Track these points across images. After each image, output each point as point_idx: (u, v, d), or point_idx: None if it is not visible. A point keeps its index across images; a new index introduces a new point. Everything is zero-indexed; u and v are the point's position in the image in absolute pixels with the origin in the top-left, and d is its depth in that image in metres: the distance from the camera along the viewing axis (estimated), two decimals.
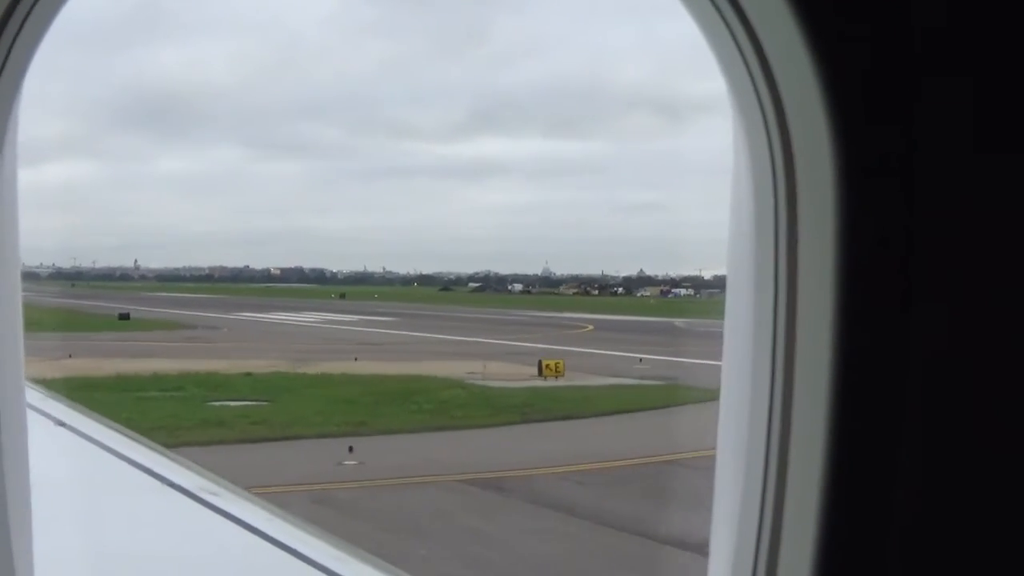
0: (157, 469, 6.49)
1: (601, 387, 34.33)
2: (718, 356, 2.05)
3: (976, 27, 1.59)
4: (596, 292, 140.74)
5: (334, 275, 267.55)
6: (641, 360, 42.04)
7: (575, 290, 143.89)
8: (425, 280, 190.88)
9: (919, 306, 1.61)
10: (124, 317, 63.80)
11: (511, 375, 36.12)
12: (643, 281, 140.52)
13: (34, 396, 7.91)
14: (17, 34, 1.85)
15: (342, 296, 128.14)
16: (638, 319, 77.97)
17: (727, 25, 1.77)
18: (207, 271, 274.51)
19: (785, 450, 1.74)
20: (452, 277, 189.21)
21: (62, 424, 7.45)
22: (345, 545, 5.49)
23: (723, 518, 2.00)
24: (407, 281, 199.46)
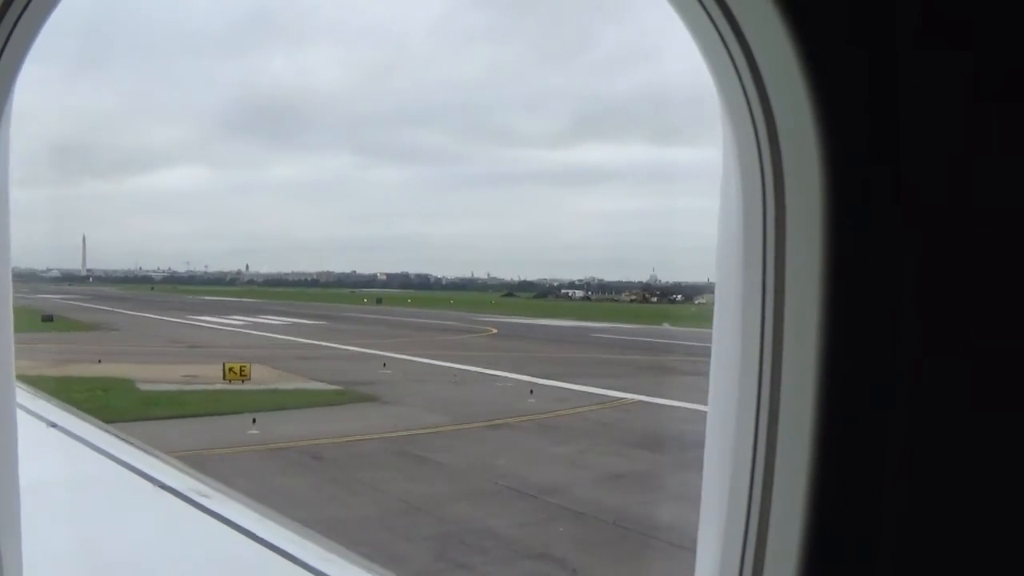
0: (149, 471, 6.61)
1: (266, 391, 32.97)
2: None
3: (961, 22, 1.63)
4: (655, 299, 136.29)
5: (438, 280, 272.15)
6: (384, 365, 41.51)
7: (633, 297, 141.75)
8: (527, 286, 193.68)
9: (906, 310, 1.66)
10: (47, 319, 65.20)
11: (204, 378, 35.03)
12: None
13: (26, 398, 8.28)
14: (8, 38, 1.92)
15: (379, 301, 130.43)
16: (586, 325, 78.18)
17: (718, 31, 1.82)
18: (314, 276, 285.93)
19: (772, 452, 1.79)
20: (556, 283, 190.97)
21: (54, 425, 7.62)
22: (336, 547, 5.56)
23: (710, 519, 2.06)
24: (510, 287, 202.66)
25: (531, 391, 33.13)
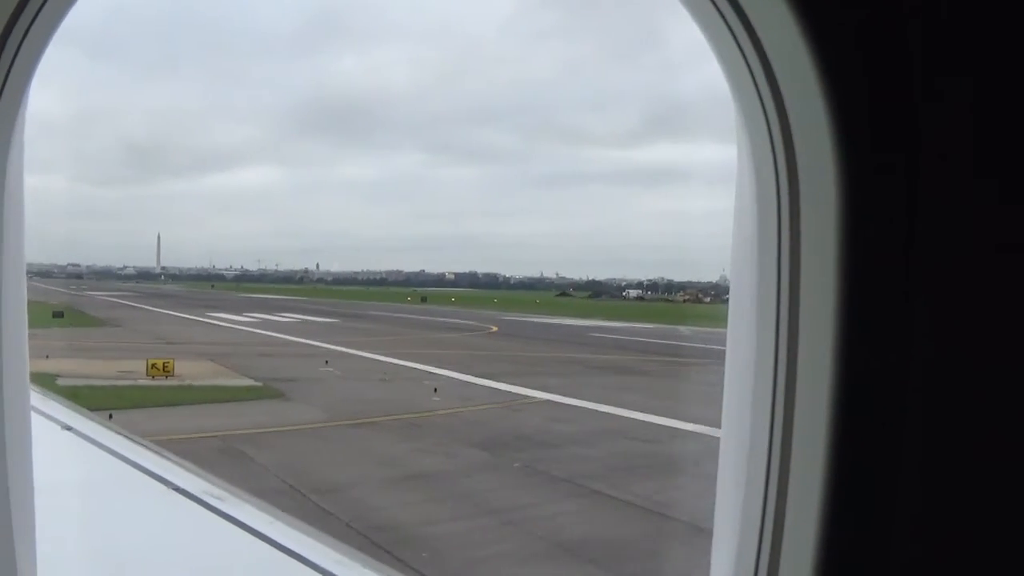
0: (163, 473, 6.66)
1: (175, 387, 33.82)
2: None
3: (977, 25, 1.64)
4: (707, 300, 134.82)
5: (506, 280, 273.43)
6: (327, 362, 42.40)
7: (686, 298, 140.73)
8: (594, 286, 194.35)
9: (922, 308, 1.67)
10: (57, 315, 68.07)
11: (133, 374, 36.25)
12: None
13: (40, 400, 8.33)
14: (23, 38, 1.95)
15: (423, 300, 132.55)
16: (601, 324, 78.44)
17: (731, 32, 1.84)
18: (382, 275, 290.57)
19: (787, 451, 1.81)
20: (624, 283, 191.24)
21: (69, 428, 7.68)
22: (350, 550, 5.63)
23: (725, 517, 2.07)
24: (578, 287, 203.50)
25: (435, 389, 33.40)
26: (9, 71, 2.00)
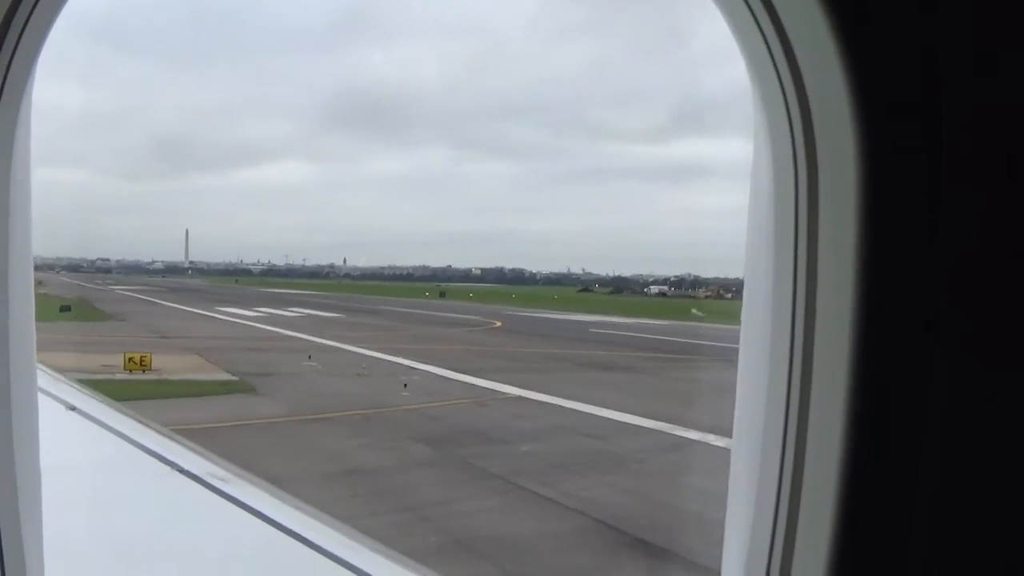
0: (167, 454, 6.76)
1: (147, 381, 34.20)
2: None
3: (1005, 15, 1.62)
4: (729, 296, 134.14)
5: (533, 275, 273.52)
6: (310, 357, 42.73)
7: (708, 294, 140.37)
8: (621, 282, 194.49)
9: (943, 306, 1.65)
10: (65, 309, 69.14)
11: (112, 368, 36.58)
12: None
13: (45, 380, 8.45)
14: (22, 32, 1.98)
15: (442, 295, 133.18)
16: (607, 320, 78.28)
17: (754, 17, 1.83)
18: (409, 270, 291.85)
19: (802, 449, 1.80)
20: (651, 279, 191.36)
21: (73, 408, 7.80)
22: (354, 533, 5.71)
23: (737, 515, 2.07)
24: (604, 283, 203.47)
25: (405, 385, 33.46)
26: (10, 64, 2.01)
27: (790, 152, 1.83)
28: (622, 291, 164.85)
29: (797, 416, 1.83)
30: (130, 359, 36.21)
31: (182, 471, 6.31)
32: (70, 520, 4.26)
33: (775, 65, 1.83)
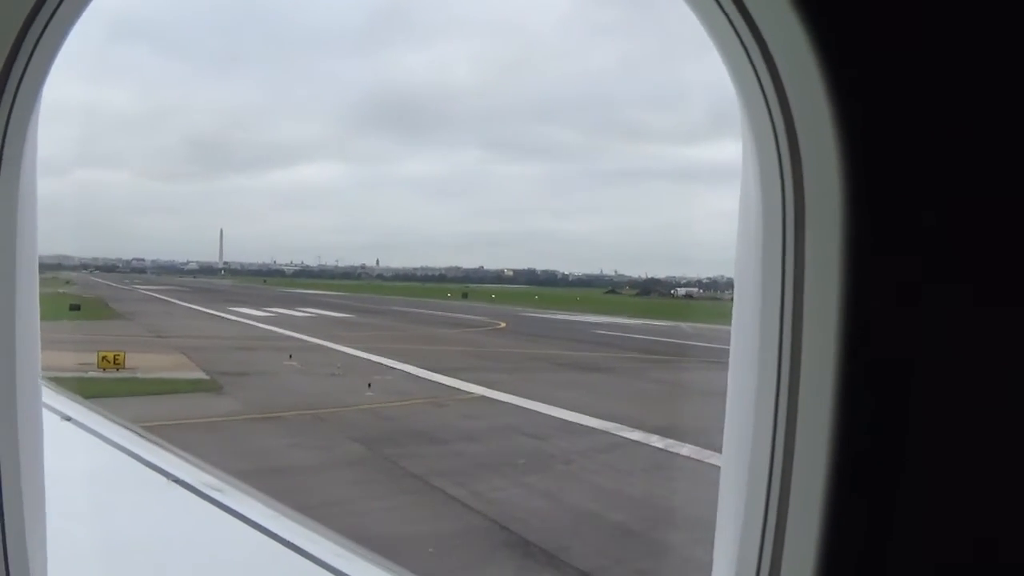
0: (163, 465, 6.83)
1: (114, 379, 34.59)
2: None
3: (984, 19, 1.66)
4: None
5: (565, 277, 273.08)
6: (291, 356, 43.05)
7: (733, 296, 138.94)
8: (654, 284, 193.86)
9: (926, 308, 1.69)
10: (74, 308, 70.42)
11: (90, 366, 36.87)
12: None
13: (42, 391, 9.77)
14: (40, 36, 2.04)
15: (464, 296, 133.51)
16: (615, 321, 78.72)
17: (735, 30, 1.88)
18: (441, 271, 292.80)
19: (790, 451, 1.84)
20: (684, 281, 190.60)
21: (69, 419, 7.76)
22: (349, 543, 5.81)
23: (727, 518, 2.11)
24: (635, 284, 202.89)
25: (369, 385, 33.65)
26: (25, 70, 2.05)
27: (775, 156, 1.85)
28: (649, 293, 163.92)
29: (786, 419, 1.84)
30: (103, 357, 36.77)
31: (178, 481, 6.33)
32: (65, 530, 4.13)
33: (755, 71, 1.86)
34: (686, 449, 24.00)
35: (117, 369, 36.53)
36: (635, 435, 25.77)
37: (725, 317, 2.29)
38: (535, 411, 29.74)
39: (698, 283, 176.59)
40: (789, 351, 1.83)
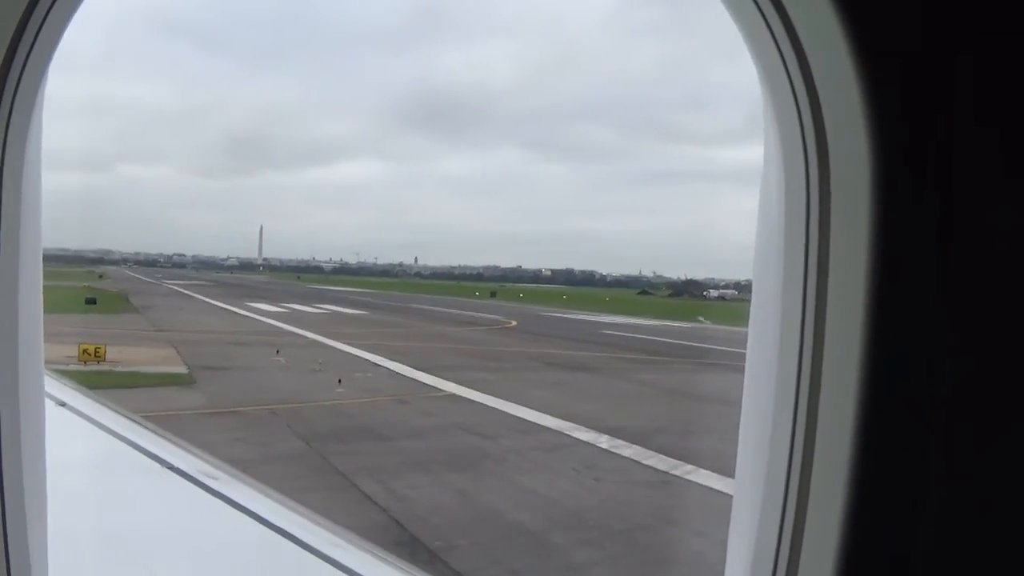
0: (157, 451, 6.83)
1: (90, 371, 34.48)
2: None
3: (1018, 21, 1.63)
4: None
5: (603, 277, 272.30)
6: (278, 352, 43.22)
7: None
8: (691, 285, 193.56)
9: (956, 310, 1.66)
10: (90, 302, 71.87)
11: (73, 359, 37.27)
12: None
13: None
14: (39, 31, 2.04)
15: (492, 295, 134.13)
16: (630, 322, 78.25)
17: (768, 25, 1.84)
18: (479, 270, 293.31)
19: (810, 455, 1.80)
20: (723, 283, 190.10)
21: (63, 404, 7.72)
22: (344, 532, 5.79)
23: (742, 519, 2.07)
24: (672, 285, 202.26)
25: (339, 381, 33.82)
26: (25, 64, 2.06)
27: (801, 152, 1.82)
28: (682, 294, 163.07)
29: (805, 420, 1.81)
30: (84, 350, 37.31)
31: (172, 468, 6.35)
32: (58, 516, 4.15)
33: (786, 68, 1.83)
34: (630, 451, 23.79)
35: (98, 362, 37.06)
36: (586, 436, 25.57)
37: (748, 319, 2.20)
38: (498, 410, 29.64)
39: (736, 285, 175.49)
40: (810, 355, 1.79)
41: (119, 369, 36.04)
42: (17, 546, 2.26)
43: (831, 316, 1.75)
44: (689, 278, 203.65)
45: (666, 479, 20.97)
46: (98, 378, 33.17)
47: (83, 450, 6.75)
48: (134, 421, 8.24)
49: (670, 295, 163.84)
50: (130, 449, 6.87)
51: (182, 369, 36.90)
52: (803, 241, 1.81)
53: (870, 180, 1.65)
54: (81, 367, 36.18)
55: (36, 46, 2.05)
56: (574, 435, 25.76)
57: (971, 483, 1.68)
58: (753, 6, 1.83)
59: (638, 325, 73.95)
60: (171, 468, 6.32)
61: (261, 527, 5.33)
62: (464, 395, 32.49)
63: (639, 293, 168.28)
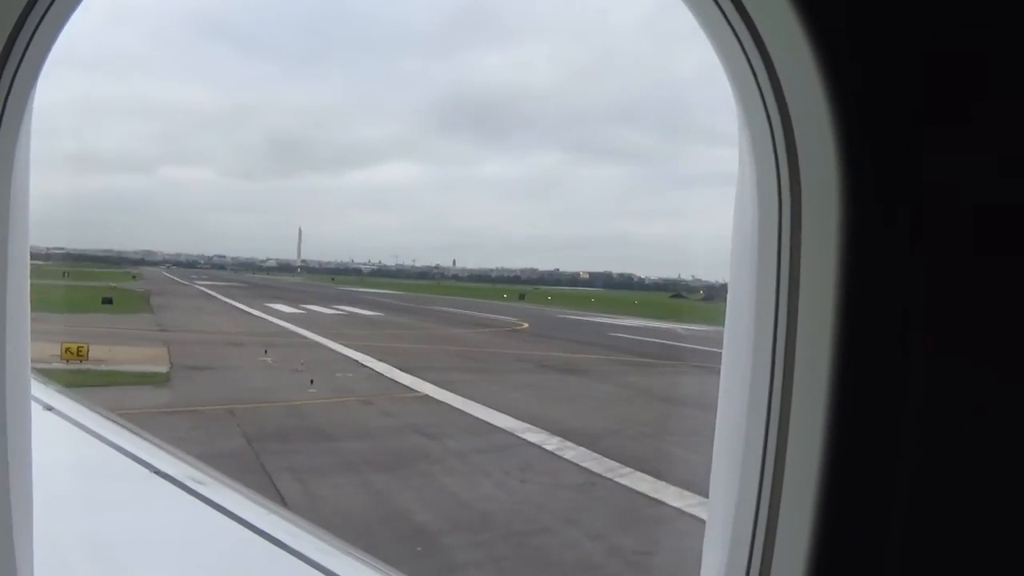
0: (145, 456, 6.83)
1: (67, 370, 34.83)
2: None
3: (981, 20, 1.67)
4: None
5: (640, 281, 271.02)
6: (266, 352, 43.82)
7: None
8: (727, 289, 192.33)
9: (923, 309, 1.71)
10: (106, 301, 73.05)
11: (59, 357, 37.74)
12: None
13: None
14: (32, 36, 2.10)
15: (521, 297, 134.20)
16: (647, 325, 78.14)
17: (733, 30, 1.89)
18: (516, 272, 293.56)
19: (782, 453, 1.86)
20: None
21: (50, 409, 7.71)
22: (331, 538, 5.88)
23: (717, 518, 2.11)
24: (711, 289, 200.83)
25: (311, 381, 33.88)
26: (18, 68, 2.09)
27: (772, 158, 1.86)
28: (713, 298, 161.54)
29: (779, 420, 1.85)
30: (67, 349, 37.77)
31: (160, 473, 6.36)
32: (46, 519, 4.15)
33: (754, 72, 1.86)
34: (573, 453, 23.49)
35: (80, 361, 37.50)
36: (536, 437, 25.32)
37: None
38: (461, 411, 29.48)
39: None
40: (783, 353, 1.83)
41: (100, 368, 36.45)
42: (3, 551, 2.26)
43: (803, 317, 1.78)
44: (726, 281, 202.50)
45: (593, 481, 20.62)
46: (73, 376, 33.57)
47: (70, 455, 6.72)
48: (122, 426, 8.28)
49: (703, 299, 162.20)
50: (117, 454, 6.87)
51: (163, 369, 37.23)
52: (775, 242, 1.84)
53: (839, 181, 1.68)
54: (63, 365, 36.70)
55: (29, 50, 2.08)
56: (524, 436, 25.51)
57: (941, 483, 1.71)
58: (717, 11, 1.85)
59: (648, 328, 73.31)
60: (158, 473, 6.31)
61: (249, 532, 5.33)
62: (436, 396, 32.36)
63: (672, 296, 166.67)
